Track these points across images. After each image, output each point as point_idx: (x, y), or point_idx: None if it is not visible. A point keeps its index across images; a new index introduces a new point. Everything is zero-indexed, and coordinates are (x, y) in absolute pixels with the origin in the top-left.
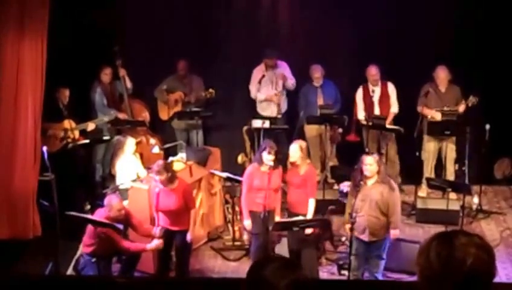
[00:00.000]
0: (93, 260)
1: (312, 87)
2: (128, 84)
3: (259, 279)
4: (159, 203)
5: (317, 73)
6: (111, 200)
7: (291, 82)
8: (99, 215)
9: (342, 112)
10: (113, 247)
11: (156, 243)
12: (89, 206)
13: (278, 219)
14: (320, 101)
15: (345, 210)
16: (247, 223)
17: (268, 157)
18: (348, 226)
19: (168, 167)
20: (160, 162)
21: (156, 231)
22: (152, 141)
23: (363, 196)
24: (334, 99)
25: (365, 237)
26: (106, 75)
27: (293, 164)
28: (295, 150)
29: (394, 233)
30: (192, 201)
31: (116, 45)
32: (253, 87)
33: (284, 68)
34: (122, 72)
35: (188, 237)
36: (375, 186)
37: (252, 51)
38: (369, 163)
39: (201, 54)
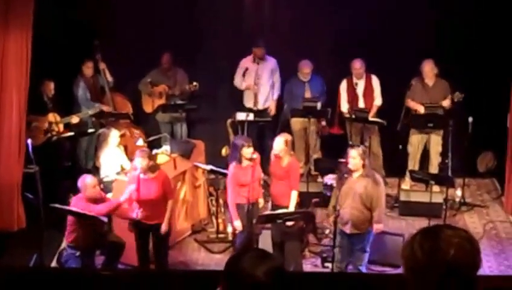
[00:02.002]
0: (77, 254)
1: (299, 81)
2: (109, 77)
3: (237, 270)
4: (140, 192)
5: (306, 68)
6: (84, 179)
7: (276, 93)
8: (75, 201)
9: (326, 105)
10: (94, 232)
11: (128, 191)
12: (74, 197)
13: (261, 201)
14: (307, 95)
15: (330, 202)
16: (237, 224)
17: (249, 151)
18: (331, 218)
19: (151, 156)
20: (146, 149)
21: (138, 213)
22: (136, 133)
23: (347, 189)
24: (320, 93)
25: (347, 229)
26: (88, 68)
27: (276, 155)
28: (279, 143)
29: (377, 227)
30: (171, 191)
31: (96, 38)
32: (237, 77)
33: (272, 64)
34: (102, 65)
35: (163, 227)
36: (359, 180)
37: (236, 45)
38: (353, 156)
39: (186, 47)
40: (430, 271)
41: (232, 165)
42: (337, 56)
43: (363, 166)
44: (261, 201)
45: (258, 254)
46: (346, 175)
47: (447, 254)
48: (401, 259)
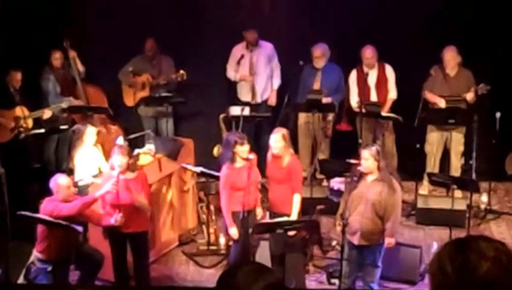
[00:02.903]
0: (49, 269)
1: (311, 69)
2: (80, 67)
3: (231, 287)
4: (119, 195)
5: (317, 52)
6: (57, 179)
7: (277, 81)
8: (46, 203)
9: (343, 101)
10: (68, 242)
11: (107, 187)
12: (46, 199)
13: (260, 211)
14: (316, 86)
15: (338, 209)
16: (233, 231)
17: (243, 149)
18: (339, 227)
19: (131, 153)
20: (125, 145)
21: (117, 218)
22: (113, 129)
23: (358, 194)
24: (335, 87)
25: (355, 240)
26: (57, 59)
27: (274, 155)
28: (277, 140)
29: (389, 241)
30: (148, 194)
31: (64, 23)
32: (229, 67)
33: (268, 50)
34: (72, 53)
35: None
36: (373, 185)
37: (230, 27)
38: (365, 157)
39: (172, 31)
40: (461, 288)
41: (225, 166)
42: (345, 43)
43: (378, 169)
44: (260, 211)
45: (254, 269)
46: (357, 178)
47: (481, 269)
48: (428, 275)
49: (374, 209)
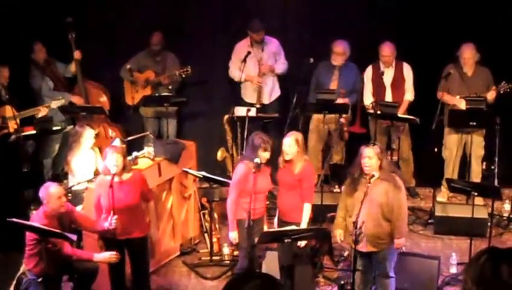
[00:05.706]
0: (40, 279)
1: (328, 66)
2: (73, 67)
3: None
4: (114, 199)
5: (338, 48)
6: (48, 188)
7: (281, 66)
8: (37, 217)
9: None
10: (58, 257)
11: (106, 255)
12: (34, 212)
13: (265, 228)
14: (334, 86)
15: (337, 211)
16: (233, 235)
17: (264, 156)
18: (339, 231)
19: (125, 152)
20: (119, 143)
21: (112, 221)
22: (112, 133)
23: (361, 196)
24: (351, 87)
25: (363, 247)
26: (41, 51)
27: (285, 160)
28: (291, 145)
29: (399, 242)
30: (150, 192)
31: (69, 15)
32: (233, 66)
33: (274, 46)
34: (78, 54)
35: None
36: (377, 184)
37: (236, 23)
38: (368, 156)
39: (173, 27)
40: None
41: (244, 164)
42: (361, 39)
43: (380, 167)
44: (265, 228)
45: (262, 283)
46: (356, 178)
47: None
48: (464, 284)
49: (381, 211)
